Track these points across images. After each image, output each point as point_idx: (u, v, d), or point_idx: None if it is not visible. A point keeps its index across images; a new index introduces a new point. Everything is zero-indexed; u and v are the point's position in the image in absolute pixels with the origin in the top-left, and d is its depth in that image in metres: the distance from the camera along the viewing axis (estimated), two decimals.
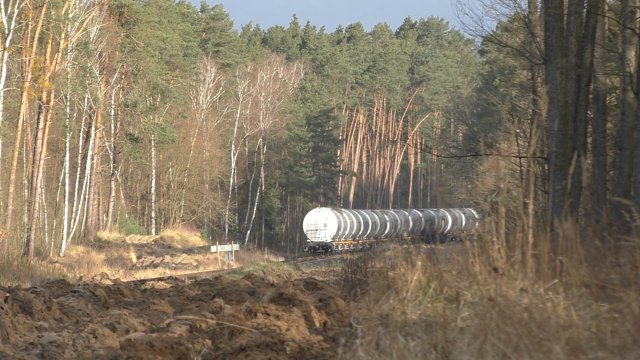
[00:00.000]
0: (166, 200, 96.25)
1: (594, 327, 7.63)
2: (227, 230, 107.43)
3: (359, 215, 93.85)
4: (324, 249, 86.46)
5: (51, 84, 62.90)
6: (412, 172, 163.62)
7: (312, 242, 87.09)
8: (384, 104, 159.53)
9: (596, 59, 23.77)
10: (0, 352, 11.66)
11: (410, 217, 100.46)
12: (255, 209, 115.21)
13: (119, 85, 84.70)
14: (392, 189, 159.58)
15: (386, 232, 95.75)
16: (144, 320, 14.53)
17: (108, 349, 11.83)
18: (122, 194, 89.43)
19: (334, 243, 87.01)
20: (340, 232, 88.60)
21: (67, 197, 71.44)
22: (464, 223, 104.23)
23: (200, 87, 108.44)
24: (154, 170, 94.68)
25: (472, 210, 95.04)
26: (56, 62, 64.73)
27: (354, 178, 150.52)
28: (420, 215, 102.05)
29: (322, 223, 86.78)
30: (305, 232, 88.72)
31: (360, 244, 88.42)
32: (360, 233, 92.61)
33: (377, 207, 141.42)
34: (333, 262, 62.88)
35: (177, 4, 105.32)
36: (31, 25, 60.77)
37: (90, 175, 77.35)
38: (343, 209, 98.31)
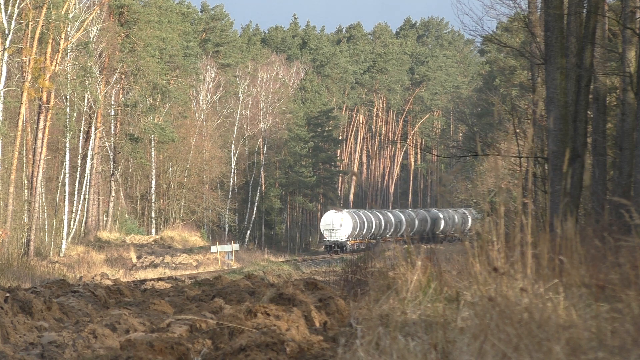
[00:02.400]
0: (166, 200, 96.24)
1: (594, 327, 7.63)
2: (227, 230, 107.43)
3: (376, 215, 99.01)
4: (339, 247, 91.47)
5: (51, 84, 62.89)
6: (412, 172, 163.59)
7: (328, 240, 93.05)
8: (384, 104, 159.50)
9: (596, 59, 23.76)
10: (0, 352, 11.67)
11: (421, 217, 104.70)
12: (255, 209, 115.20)
13: (119, 85, 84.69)
14: (392, 189, 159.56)
15: (400, 231, 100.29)
16: (144, 320, 14.52)
17: (108, 349, 11.83)
18: (122, 194, 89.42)
19: (348, 242, 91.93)
20: (357, 232, 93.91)
21: (67, 197, 71.42)
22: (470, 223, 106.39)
23: (200, 87, 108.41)
24: (154, 170, 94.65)
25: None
26: (56, 62, 64.72)
27: (354, 178, 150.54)
28: (429, 214, 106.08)
29: (338, 223, 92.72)
30: (322, 232, 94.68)
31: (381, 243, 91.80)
32: (374, 232, 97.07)
33: (377, 207, 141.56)
34: (333, 262, 63.05)
35: (177, 4, 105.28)
36: (31, 25, 60.76)
37: (90, 175, 77.33)
38: (358, 210, 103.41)
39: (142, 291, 23.79)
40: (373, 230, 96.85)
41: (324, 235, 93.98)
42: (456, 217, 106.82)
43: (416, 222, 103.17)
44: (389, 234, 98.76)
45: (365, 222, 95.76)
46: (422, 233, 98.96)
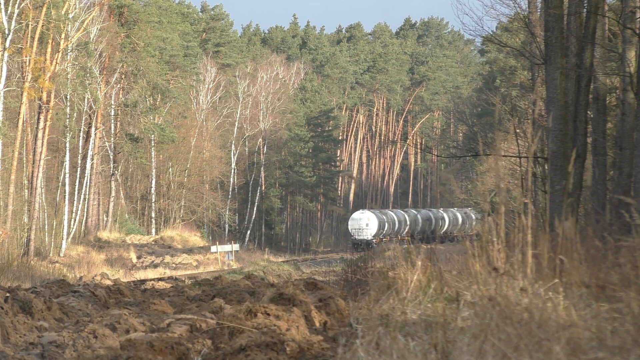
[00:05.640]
0: (166, 200, 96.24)
1: (594, 327, 7.63)
2: (227, 230, 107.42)
3: (399, 215, 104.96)
4: (366, 245, 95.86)
5: (51, 84, 62.87)
6: (412, 172, 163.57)
7: (355, 239, 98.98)
8: (384, 104, 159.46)
9: (596, 59, 23.77)
10: (0, 352, 11.67)
11: (440, 216, 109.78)
12: (255, 209, 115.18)
13: (119, 85, 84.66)
14: (392, 189, 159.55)
15: (421, 229, 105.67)
16: (144, 320, 14.52)
17: (108, 349, 11.83)
18: (122, 194, 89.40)
19: (373, 240, 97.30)
20: (385, 231, 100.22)
21: (67, 197, 71.40)
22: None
23: (200, 87, 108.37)
24: (154, 170, 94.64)
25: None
26: (56, 62, 64.70)
27: (354, 176, 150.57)
28: (452, 214, 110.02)
29: (364, 223, 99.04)
30: (350, 231, 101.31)
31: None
32: (397, 231, 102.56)
33: (377, 207, 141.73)
34: (333, 262, 63.20)
35: (177, 4, 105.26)
36: (31, 25, 60.74)
37: (90, 175, 77.31)
38: (384, 210, 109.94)
39: (142, 291, 23.79)
40: (396, 229, 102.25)
41: (352, 234, 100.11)
42: (460, 216, 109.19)
43: (434, 220, 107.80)
44: (419, 231, 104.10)
45: (392, 221, 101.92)
46: (443, 231, 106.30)
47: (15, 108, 61.15)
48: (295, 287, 17.03)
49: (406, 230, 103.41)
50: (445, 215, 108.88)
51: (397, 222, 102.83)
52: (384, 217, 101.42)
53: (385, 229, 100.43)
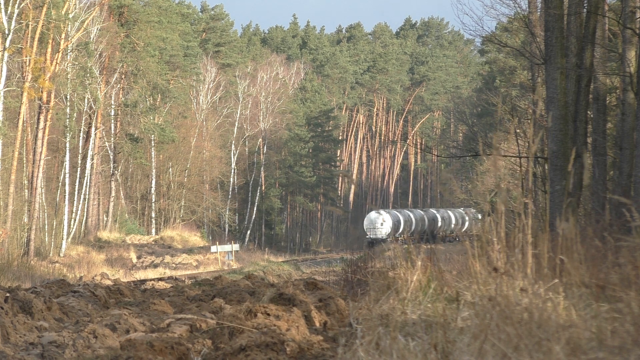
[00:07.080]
0: (166, 200, 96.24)
1: (594, 327, 7.63)
2: (227, 230, 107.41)
3: (413, 214, 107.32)
4: (380, 244, 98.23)
5: (51, 84, 62.86)
6: (412, 172, 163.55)
7: (370, 238, 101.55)
8: (384, 104, 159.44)
9: (596, 59, 23.78)
10: (0, 352, 11.67)
11: (456, 215, 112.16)
12: (255, 209, 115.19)
13: (119, 85, 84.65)
14: (392, 189, 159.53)
15: (438, 227, 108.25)
16: (144, 320, 14.52)
17: (108, 349, 11.83)
18: (122, 194, 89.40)
19: (388, 239, 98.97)
20: (401, 230, 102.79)
21: (67, 197, 71.38)
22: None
23: (200, 87, 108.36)
24: (154, 170, 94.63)
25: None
26: (56, 62, 64.69)
27: (354, 178, 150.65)
28: (471, 213, 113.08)
29: (379, 223, 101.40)
30: (365, 230, 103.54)
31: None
32: (412, 229, 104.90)
33: (376, 207, 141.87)
34: (333, 262, 63.24)
35: (177, 4, 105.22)
36: (31, 25, 60.73)
37: (90, 175, 77.30)
38: (400, 209, 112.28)
39: (142, 291, 23.79)
40: (412, 228, 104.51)
41: (367, 233, 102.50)
42: (479, 215, 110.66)
43: (453, 219, 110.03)
44: (435, 230, 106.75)
45: (408, 220, 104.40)
46: (464, 230, 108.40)
47: (15, 108, 61.14)
48: (295, 287, 17.05)
49: (423, 229, 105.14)
50: (464, 214, 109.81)
51: (413, 221, 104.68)
52: (399, 217, 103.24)
53: (401, 228, 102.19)
